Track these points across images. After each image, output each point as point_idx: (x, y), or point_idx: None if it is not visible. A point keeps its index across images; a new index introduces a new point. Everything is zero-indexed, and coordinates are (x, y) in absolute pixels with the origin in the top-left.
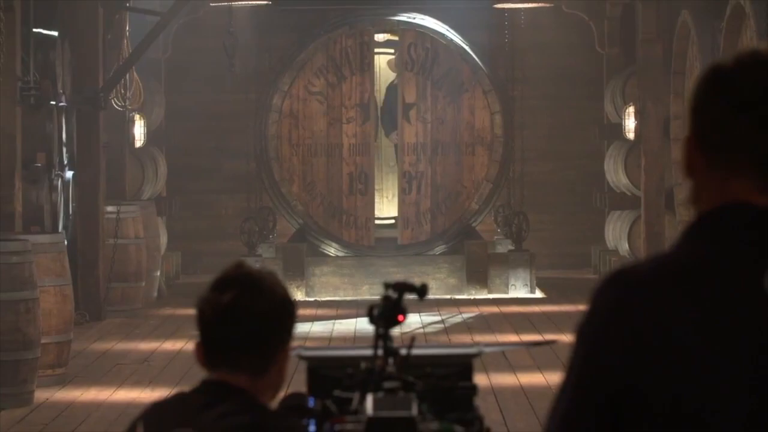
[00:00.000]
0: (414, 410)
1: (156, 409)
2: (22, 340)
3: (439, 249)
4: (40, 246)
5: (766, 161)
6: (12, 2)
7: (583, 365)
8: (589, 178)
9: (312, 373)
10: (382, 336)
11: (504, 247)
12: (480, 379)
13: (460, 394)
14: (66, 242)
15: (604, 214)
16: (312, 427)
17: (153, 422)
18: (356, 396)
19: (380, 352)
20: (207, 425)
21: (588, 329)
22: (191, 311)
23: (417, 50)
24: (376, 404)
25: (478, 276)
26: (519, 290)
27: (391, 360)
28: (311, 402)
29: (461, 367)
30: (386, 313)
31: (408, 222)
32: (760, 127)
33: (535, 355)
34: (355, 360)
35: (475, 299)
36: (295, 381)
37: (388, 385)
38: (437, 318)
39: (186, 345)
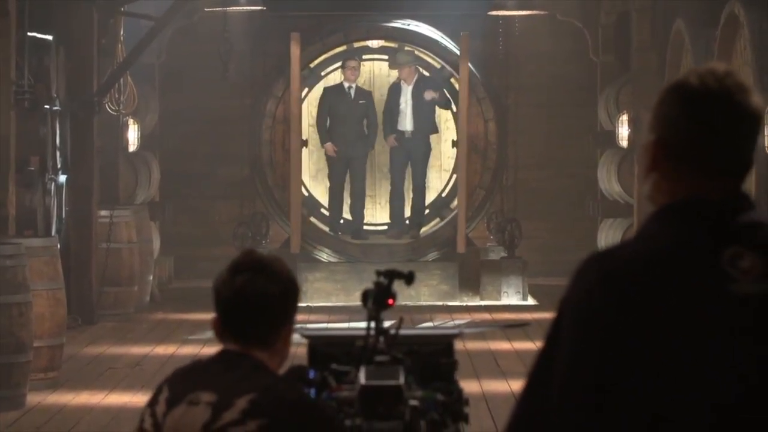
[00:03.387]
0: (401, 380)
1: (179, 374)
2: (15, 344)
3: (432, 255)
4: (34, 250)
5: (716, 165)
6: (7, 6)
7: (575, 336)
8: (583, 186)
9: (312, 349)
10: (374, 317)
11: (496, 254)
12: (472, 386)
13: (442, 368)
14: (59, 246)
15: (597, 222)
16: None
17: (177, 385)
18: (353, 369)
19: (372, 331)
20: (225, 387)
21: (576, 303)
22: (183, 316)
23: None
24: (368, 374)
25: (470, 283)
26: (511, 297)
27: (381, 338)
28: (311, 374)
29: (444, 345)
30: (378, 298)
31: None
32: (713, 137)
33: (527, 362)
34: (350, 338)
35: (467, 306)
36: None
37: (379, 359)
38: (429, 324)
39: (178, 349)
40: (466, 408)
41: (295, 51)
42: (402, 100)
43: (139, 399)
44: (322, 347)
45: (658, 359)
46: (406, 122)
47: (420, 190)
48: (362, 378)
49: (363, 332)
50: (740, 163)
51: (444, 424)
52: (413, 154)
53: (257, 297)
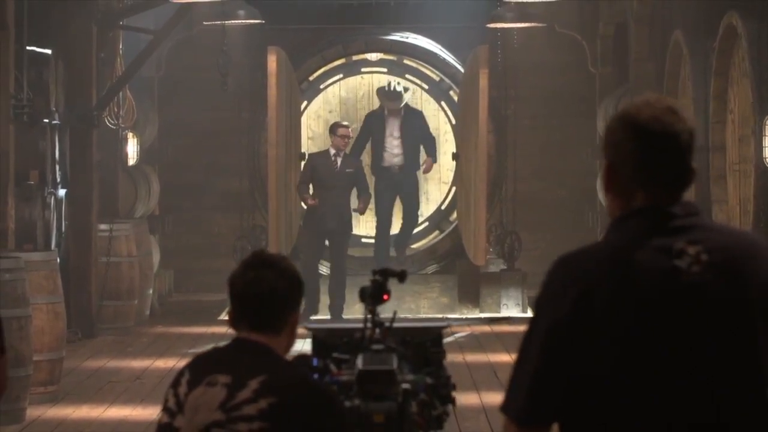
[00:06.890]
0: (394, 365)
1: (198, 359)
2: (15, 358)
3: (431, 268)
4: (33, 263)
5: (659, 178)
6: (6, 20)
7: (544, 331)
8: (582, 197)
9: (316, 340)
10: (370, 311)
11: (496, 266)
12: (471, 398)
13: (432, 356)
14: (58, 260)
15: (597, 234)
16: None
17: (196, 369)
18: (352, 357)
19: (369, 324)
20: (239, 370)
21: (544, 301)
22: (184, 329)
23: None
24: (365, 360)
25: (469, 295)
26: (511, 309)
27: (377, 330)
28: (315, 361)
29: (434, 336)
30: (374, 294)
31: None
32: (652, 155)
33: None
34: (349, 331)
35: (467, 318)
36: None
37: (375, 347)
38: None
39: (178, 363)
40: (453, 392)
41: (272, 65)
42: (388, 132)
43: (139, 412)
44: (324, 338)
45: (622, 348)
46: (395, 158)
47: (411, 219)
48: (360, 364)
49: (360, 325)
50: (680, 174)
51: (433, 405)
52: (403, 188)
53: (267, 290)
